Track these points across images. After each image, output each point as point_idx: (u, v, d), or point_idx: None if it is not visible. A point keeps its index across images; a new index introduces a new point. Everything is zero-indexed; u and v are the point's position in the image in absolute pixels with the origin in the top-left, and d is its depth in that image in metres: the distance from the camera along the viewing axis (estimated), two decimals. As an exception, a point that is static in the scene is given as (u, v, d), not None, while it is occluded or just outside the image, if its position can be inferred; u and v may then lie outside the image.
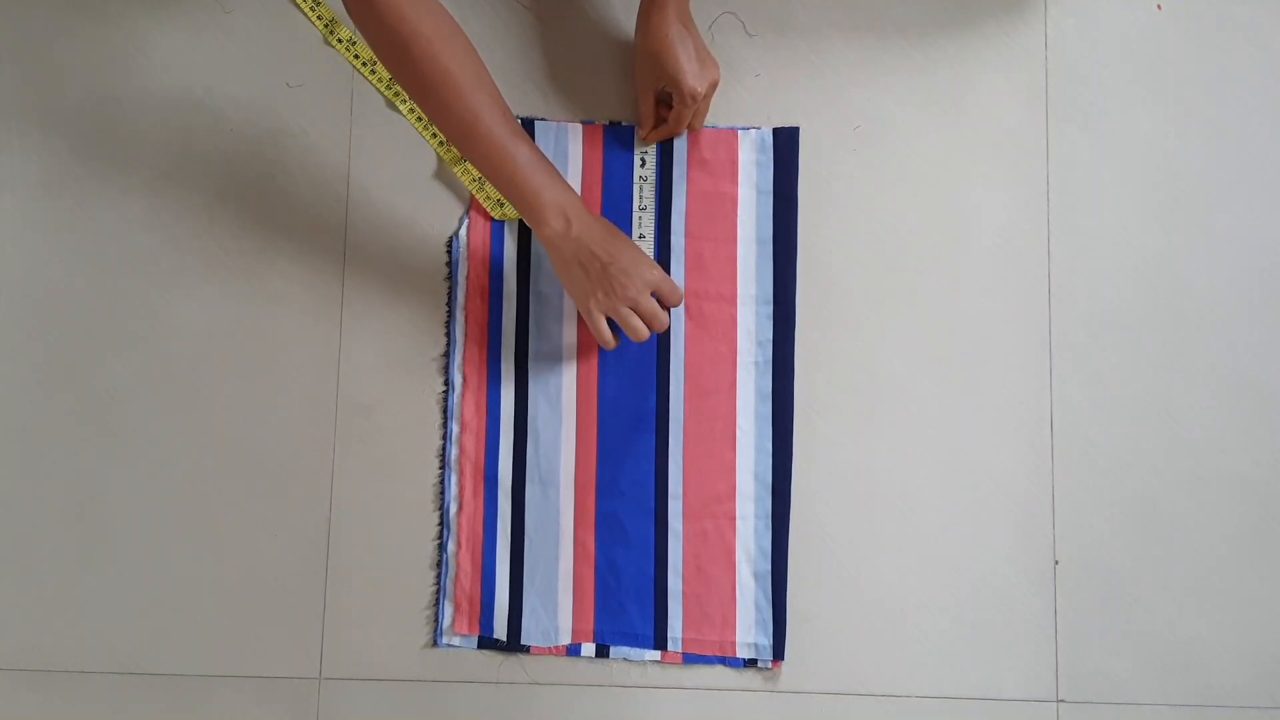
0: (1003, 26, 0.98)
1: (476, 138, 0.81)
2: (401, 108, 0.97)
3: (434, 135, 0.96)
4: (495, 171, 0.83)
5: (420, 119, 0.96)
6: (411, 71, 0.79)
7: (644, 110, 0.93)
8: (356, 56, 0.97)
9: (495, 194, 0.95)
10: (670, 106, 0.93)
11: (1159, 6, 0.98)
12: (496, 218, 0.96)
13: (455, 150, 0.95)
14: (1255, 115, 0.97)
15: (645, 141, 0.95)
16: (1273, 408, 0.94)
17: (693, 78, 0.88)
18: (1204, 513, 0.94)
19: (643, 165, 0.95)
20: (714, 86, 0.90)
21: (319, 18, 0.98)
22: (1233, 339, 0.95)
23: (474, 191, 0.96)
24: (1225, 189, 0.96)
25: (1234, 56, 0.97)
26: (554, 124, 0.97)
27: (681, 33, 0.87)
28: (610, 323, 0.88)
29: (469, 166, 0.95)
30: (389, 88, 0.97)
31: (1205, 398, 0.94)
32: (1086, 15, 0.98)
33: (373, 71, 0.97)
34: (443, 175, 0.97)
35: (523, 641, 0.93)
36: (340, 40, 0.97)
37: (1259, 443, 0.94)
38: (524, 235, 0.96)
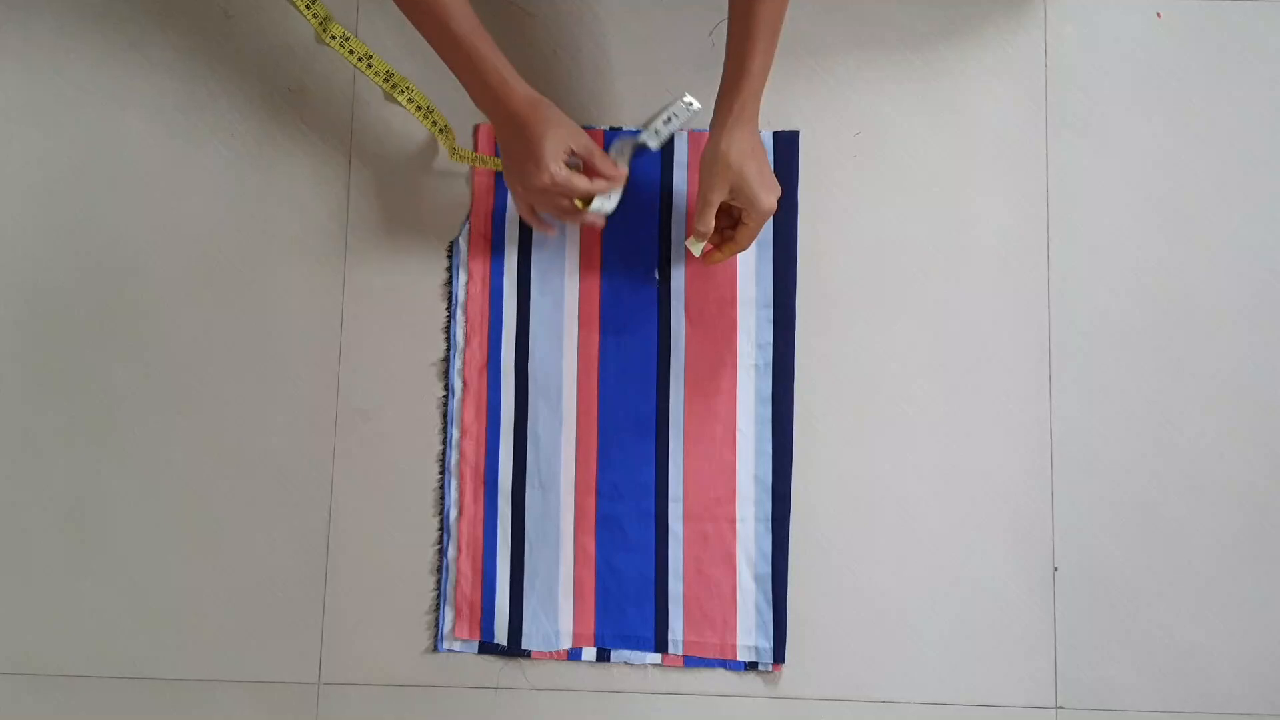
0: (1002, 33, 0.98)
1: (450, 36, 0.83)
2: (400, 99, 0.96)
3: (434, 124, 0.96)
4: (456, 55, 0.84)
5: (419, 108, 0.96)
6: None
7: (705, 223, 0.86)
8: (351, 52, 0.97)
9: (453, 143, 0.96)
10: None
11: (1158, 14, 0.98)
12: (450, 159, 0.96)
13: (452, 139, 0.96)
14: (1254, 122, 0.97)
15: (707, 261, 0.90)
16: (1271, 415, 0.94)
17: (769, 193, 0.85)
18: (1203, 519, 0.94)
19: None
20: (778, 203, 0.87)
21: (314, 15, 0.98)
22: (1232, 346, 0.95)
23: (467, 161, 0.96)
24: (1224, 196, 0.96)
25: (1233, 64, 0.97)
26: (555, 129, 0.97)
27: (757, 149, 0.85)
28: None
29: (463, 151, 0.96)
30: (386, 80, 0.97)
31: (1204, 404, 0.95)
32: (1086, 22, 0.98)
33: (369, 65, 0.97)
34: (444, 176, 0.97)
35: (523, 646, 0.93)
36: (334, 37, 0.97)
37: (1258, 450, 0.94)
38: (524, 239, 0.96)
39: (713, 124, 0.85)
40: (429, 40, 0.85)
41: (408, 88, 0.96)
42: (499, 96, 0.84)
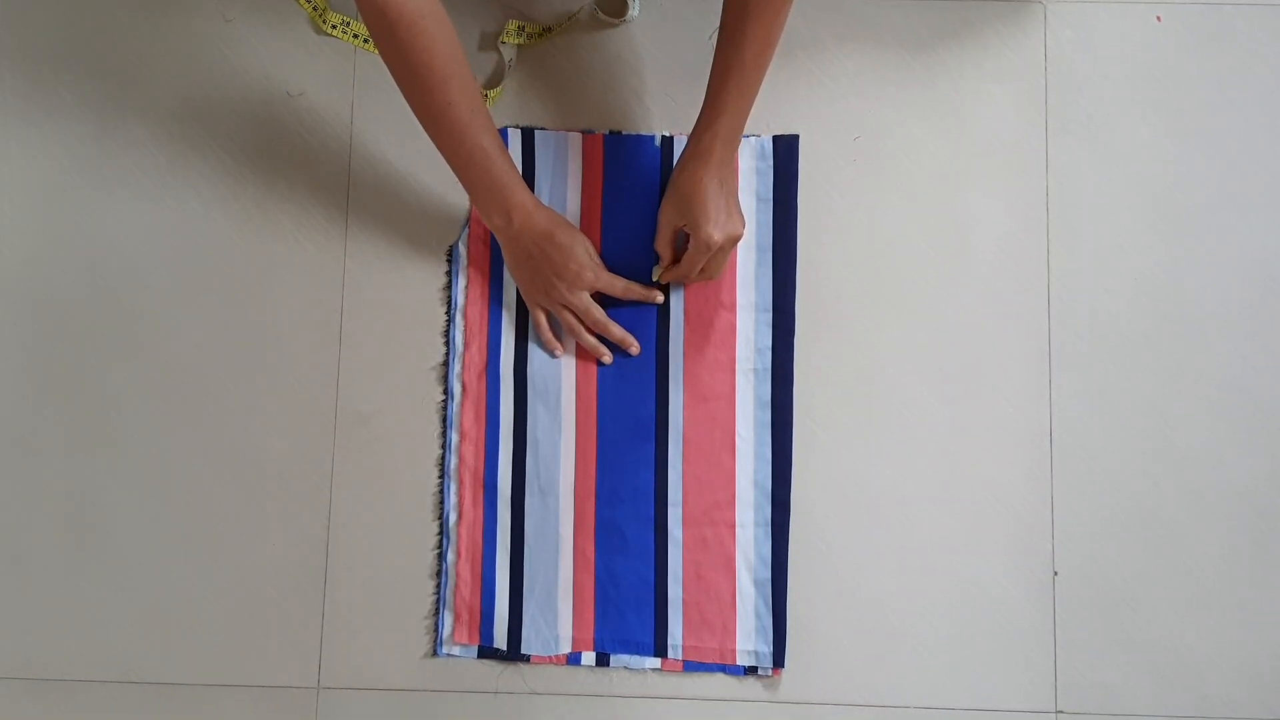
0: (1002, 38, 0.98)
1: (448, 123, 0.83)
2: None
3: None
4: (460, 161, 0.85)
5: None
6: (396, 53, 0.81)
7: (661, 245, 0.91)
8: (355, 35, 0.98)
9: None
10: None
11: (1158, 18, 0.98)
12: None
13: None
14: (1254, 127, 0.97)
15: (659, 279, 0.93)
16: (1271, 419, 0.94)
17: (713, 226, 0.86)
18: (1202, 524, 0.94)
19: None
20: (733, 241, 0.88)
21: (313, 7, 0.98)
22: (1232, 350, 0.95)
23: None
24: (1224, 200, 0.96)
25: (1232, 69, 0.97)
26: (553, 133, 0.97)
27: (716, 185, 0.86)
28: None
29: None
30: None
31: (1204, 409, 0.94)
32: (1085, 27, 0.98)
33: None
34: (444, 181, 0.97)
35: (523, 651, 0.92)
36: (334, 25, 0.97)
37: (1257, 454, 0.94)
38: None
39: (681, 154, 0.88)
40: (433, 137, 0.85)
41: None
42: (519, 217, 0.87)
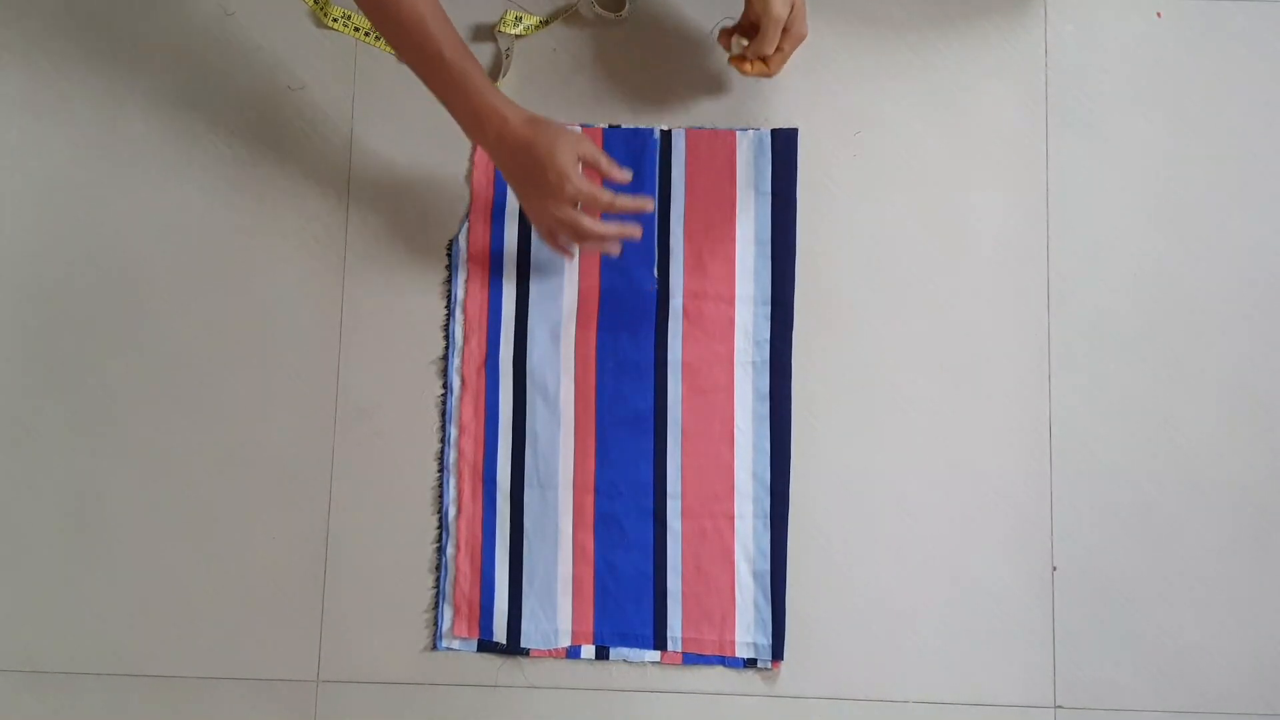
0: (1002, 32, 0.98)
1: (438, 63, 0.82)
2: None
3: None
4: (428, 72, 0.84)
5: None
6: (384, 12, 0.81)
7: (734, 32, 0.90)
8: (357, 29, 0.98)
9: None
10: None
11: (1158, 14, 0.98)
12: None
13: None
14: (1253, 122, 0.97)
15: (731, 63, 0.91)
16: (1270, 414, 0.94)
17: (782, 4, 0.84)
18: (1201, 519, 0.94)
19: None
20: (797, 33, 0.87)
21: (316, 1, 0.98)
22: (1231, 346, 0.95)
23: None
24: (1223, 195, 0.96)
25: (1232, 64, 0.97)
26: (554, 127, 0.97)
27: None
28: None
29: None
30: None
31: (1203, 404, 0.95)
32: (1086, 22, 0.98)
33: (377, 38, 0.98)
34: (443, 175, 0.97)
35: (522, 644, 0.93)
36: (335, 19, 0.98)
37: (1256, 449, 0.94)
38: (524, 238, 0.96)
39: None
40: (417, 71, 0.84)
41: None
42: (496, 125, 0.83)
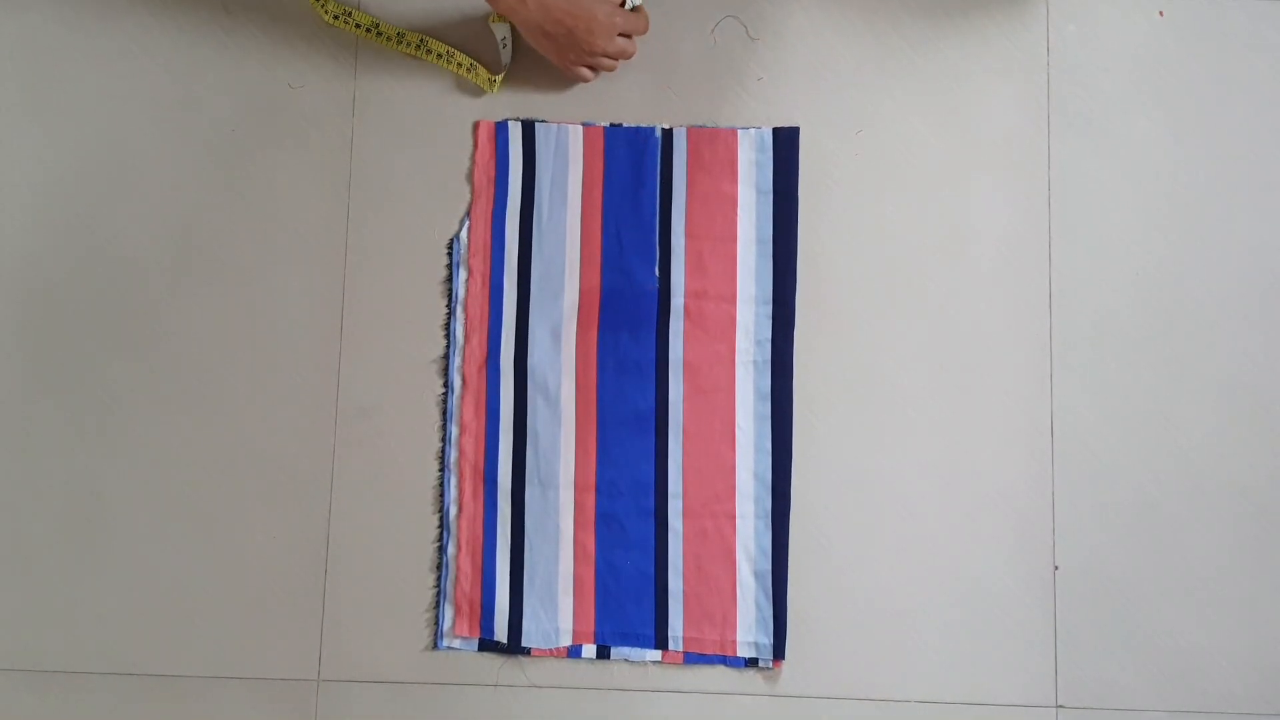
0: (1004, 31, 0.98)
1: None
2: (419, 54, 0.97)
3: (459, 66, 0.96)
4: None
5: (439, 55, 0.96)
6: None
7: None
8: (358, 25, 0.97)
9: (486, 74, 0.96)
10: None
11: (1160, 13, 0.98)
12: (489, 91, 0.97)
13: (483, 74, 0.96)
14: (1256, 122, 0.97)
15: None
16: (1272, 415, 0.94)
17: None
18: (1203, 519, 0.94)
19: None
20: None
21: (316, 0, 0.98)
22: (1233, 346, 0.95)
23: (498, 85, 0.97)
24: (1226, 196, 0.96)
25: (1235, 63, 0.97)
26: (555, 125, 0.97)
27: None
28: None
29: (494, 77, 0.96)
30: (399, 42, 0.97)
31: (1205, 404, 0.94)
32: (1088, 21, 0.98)
33: (378, 34, 0.97)
34: (444, 173, 0.97)
35: (523, 643, 0.92)
36: (336, 16, 0.97)
37: (1258, 449, 0.94)
38: (524, 236, 0.96)
39: None
40: None
41: (422, 41, 0.96)
42: None
